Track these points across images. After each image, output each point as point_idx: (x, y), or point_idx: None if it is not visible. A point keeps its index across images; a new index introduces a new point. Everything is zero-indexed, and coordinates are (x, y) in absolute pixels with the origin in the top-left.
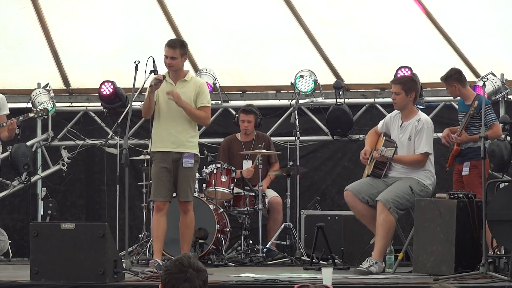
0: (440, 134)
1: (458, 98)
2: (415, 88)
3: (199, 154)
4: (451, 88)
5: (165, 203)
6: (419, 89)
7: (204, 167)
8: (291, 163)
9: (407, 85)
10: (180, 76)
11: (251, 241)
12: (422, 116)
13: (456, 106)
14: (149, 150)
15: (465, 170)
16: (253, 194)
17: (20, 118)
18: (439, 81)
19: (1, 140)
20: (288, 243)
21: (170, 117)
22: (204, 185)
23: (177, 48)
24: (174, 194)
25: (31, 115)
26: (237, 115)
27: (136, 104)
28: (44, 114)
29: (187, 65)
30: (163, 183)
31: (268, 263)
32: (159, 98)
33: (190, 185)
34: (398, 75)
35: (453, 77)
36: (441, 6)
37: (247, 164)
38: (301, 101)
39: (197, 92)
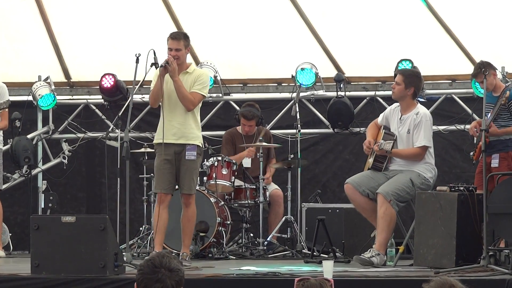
0: (441, 127)
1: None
2: (417, 84)
3: (202, 146)
4: (490, 77)
5: (166, 195)
6: (420, 87)
7: (205, 160)
8: (292, 156)
9: (409, 78)
10: (182, 69)
11: (252, 234)
12: (421, 109)
13: (457, 99)
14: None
15: (494, 162)
16: (254, 187)
17: None
18: (440, 73)
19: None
20: (289, 236)
21: (172, 108)
22: (205, 178)
23: (181, 39)
24: (177, 187)
25: None
26: (237, 114)
27: (137, 97)
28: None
29: (188, 58)
30: (164, 175)
31: (269, 256)
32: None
33: (193, 178)
34: (399, 68)
35: (491, 66)
36: None
37: (247, 159)
38: (302, 94)
39: (194, 80)
